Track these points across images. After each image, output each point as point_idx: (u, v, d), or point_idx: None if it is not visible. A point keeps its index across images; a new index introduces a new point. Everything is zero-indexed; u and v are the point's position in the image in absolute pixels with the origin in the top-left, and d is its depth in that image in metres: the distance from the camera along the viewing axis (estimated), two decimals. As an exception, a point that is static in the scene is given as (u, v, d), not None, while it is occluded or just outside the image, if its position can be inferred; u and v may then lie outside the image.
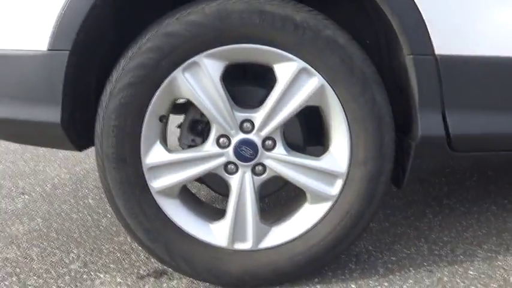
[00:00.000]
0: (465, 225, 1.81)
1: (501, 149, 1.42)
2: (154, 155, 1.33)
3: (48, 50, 1.28)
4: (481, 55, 1.29)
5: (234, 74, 1.39)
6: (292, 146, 1.38)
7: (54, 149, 3.03)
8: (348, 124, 1.31)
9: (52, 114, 1.31)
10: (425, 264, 1.54)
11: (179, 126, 1.47)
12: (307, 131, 1.45)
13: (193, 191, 1.76)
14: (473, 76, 1.30)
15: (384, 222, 1.85)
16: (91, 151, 2.97)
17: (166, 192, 1.36)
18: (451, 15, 1.27)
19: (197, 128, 1.42)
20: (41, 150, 3.05)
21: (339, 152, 1.34)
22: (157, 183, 1.35)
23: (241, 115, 1.32)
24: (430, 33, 1.26)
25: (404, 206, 2.01)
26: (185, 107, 1.46)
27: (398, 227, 1.81)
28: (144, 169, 1.33)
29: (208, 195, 2.17)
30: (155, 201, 1.36)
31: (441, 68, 1.28)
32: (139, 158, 1.33)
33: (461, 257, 1.58)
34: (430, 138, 1.32)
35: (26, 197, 2.23)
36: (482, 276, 1.46)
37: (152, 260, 1.58)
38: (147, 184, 1.35)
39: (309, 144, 1.46)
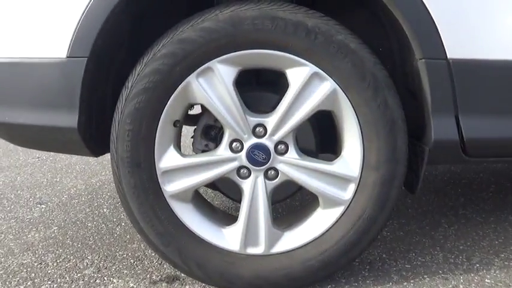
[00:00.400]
0: (481, 234, 1.78)
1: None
2: (168, 159, 1.35)
3: (67, 57, 1.31)
4: (495, 59, 1.29)
5: (247, 79, 1.41)
6: (305, 151, 1.39)
7: (71, 163, 3.09)
8: (360, 128, 1.32)
9: (69, 119, 1.34)
10: (440, 272, 1.51)
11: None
12: (319, 138, 1.45)
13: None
14: (487, 80, 1.29)
15: (398, 232, 1.83)
16: (107, 163, 3.02)
17: (180, 196, 1.37)
18: (463, 19, 1.27)
19: (210, 133, 1.44)
20: (59, 163, 3.11)
21: (351, 156, 1.34)
22: (170, 188, 1.36)
23: (254, 120, 1.34)
24: (442, 37, 1.26)
25: (419, 215, 1.99)
26: (197, 118, 1.48)
27: (413, 236, 1.78)
28: (158, 173, 1.35)
29: (221, 206, 2.18)
30: (168, 205, 1.37)
31: (454, 72, 1.28)
32: (154, 162, 1.35)
33: (478, 265, 1.55)
34: (444, 143, 1.31)
35: (43, 206, 2.26)
36: (500, 284, 1.43)
37: (165, 265, 1.59)
38: (160, 188, 1.36)
39: (321, 151, 1.46)
